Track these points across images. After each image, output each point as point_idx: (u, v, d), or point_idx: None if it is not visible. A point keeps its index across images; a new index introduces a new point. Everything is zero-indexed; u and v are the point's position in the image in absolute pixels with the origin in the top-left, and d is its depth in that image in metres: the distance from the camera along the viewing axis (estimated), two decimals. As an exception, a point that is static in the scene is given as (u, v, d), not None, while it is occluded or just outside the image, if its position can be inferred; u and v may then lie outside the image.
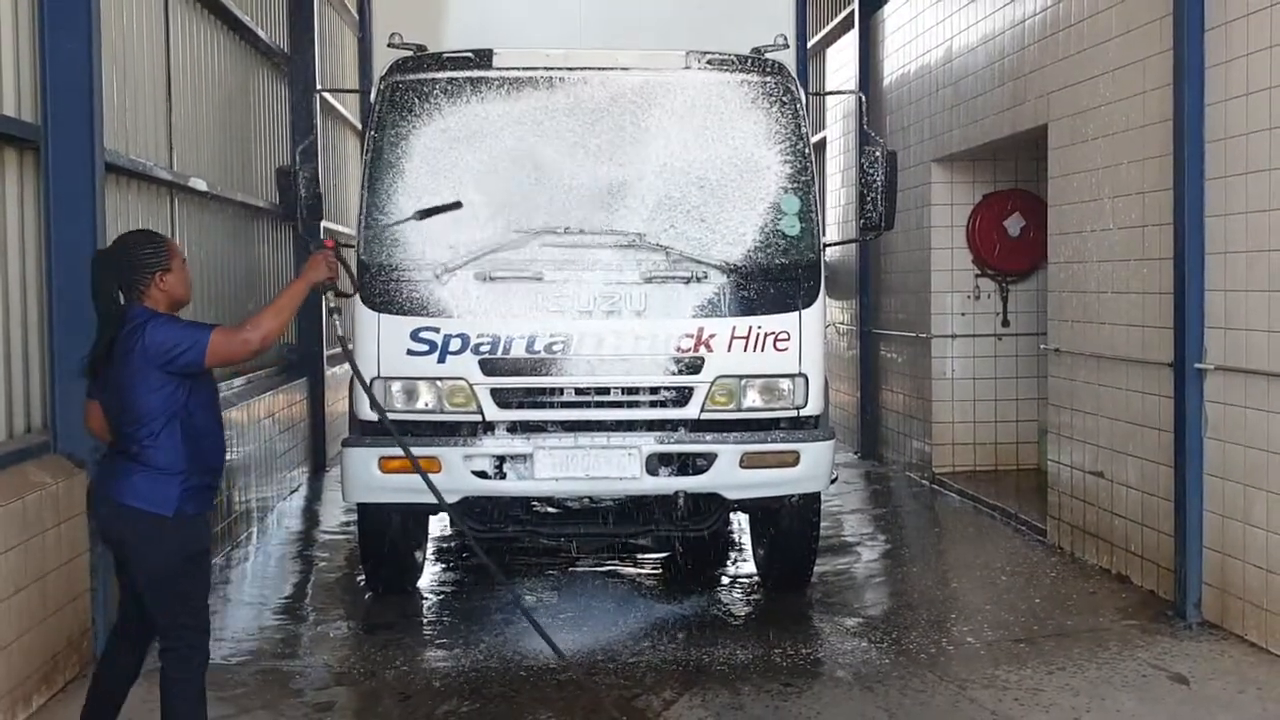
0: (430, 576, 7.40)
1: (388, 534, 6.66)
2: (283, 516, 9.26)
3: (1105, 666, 5.55)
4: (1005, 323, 10.25)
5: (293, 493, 10.07)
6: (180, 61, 7.88)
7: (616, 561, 7.63)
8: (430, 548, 7.72)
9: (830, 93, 11.99)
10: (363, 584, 7.11)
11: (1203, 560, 6.09)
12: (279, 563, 7.92)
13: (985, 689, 5.31)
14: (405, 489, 6.01)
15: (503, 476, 6.03)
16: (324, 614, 6.65)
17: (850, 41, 12.14)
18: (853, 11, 12.02)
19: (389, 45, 6.20)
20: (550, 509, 6.93)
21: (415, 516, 6.87)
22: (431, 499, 6.11)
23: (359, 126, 14.30)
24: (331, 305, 4.59)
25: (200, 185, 7.94)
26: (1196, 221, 6.02)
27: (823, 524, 7.03)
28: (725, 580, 7.37)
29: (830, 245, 8.81)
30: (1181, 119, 6.04)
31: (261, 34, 9.63)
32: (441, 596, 7.07)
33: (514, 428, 6.07)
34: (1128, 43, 6.76)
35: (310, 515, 9.54)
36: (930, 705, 5.16)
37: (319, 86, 10.77)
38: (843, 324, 12.63)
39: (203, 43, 8.46)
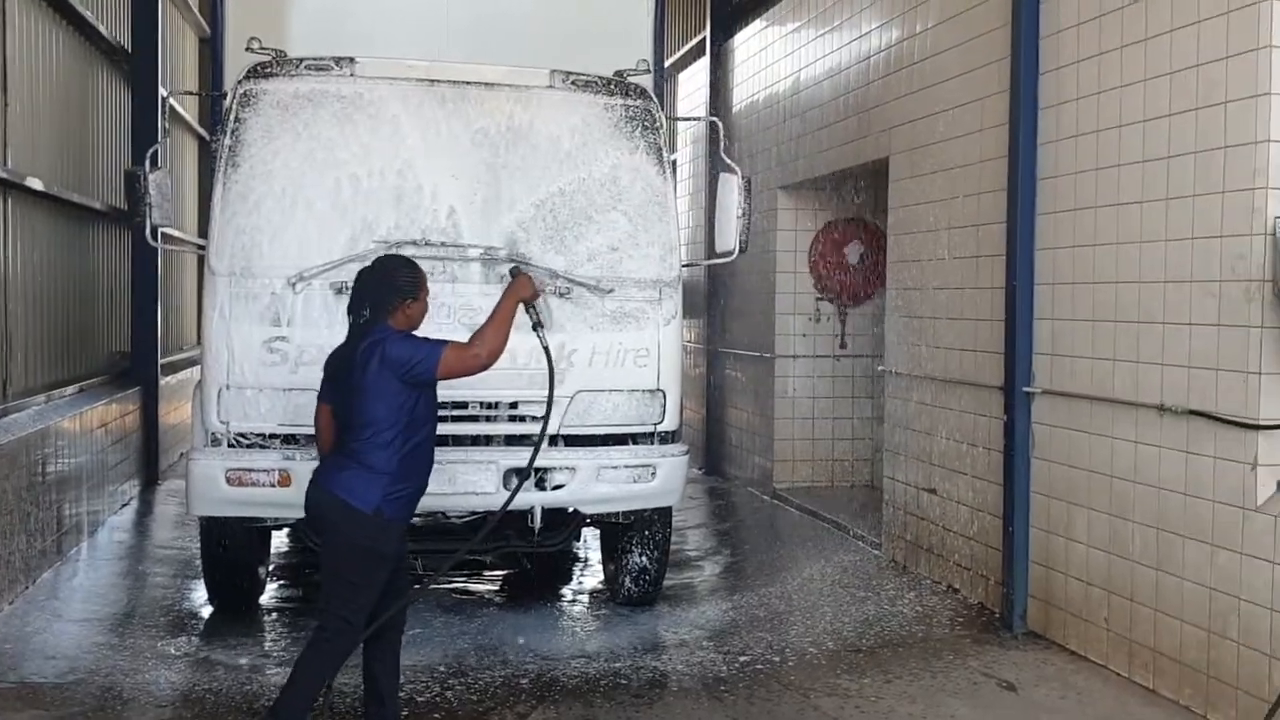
0: (272, 593, 7.24)
1: (231, 549, 6.49)
2: (114, 530, 8.90)
3: (940, 675, 5.83)
4: (843, 345, 10.64)
5: (124, 506, 9.69)
6: (15, 53, 7.54)
7: (464, 578, 7.61)
8: (273, 564, 7.55)
9: (686, 118, 12.25)
10: (203, 600, 6.91)
11: (1029, 573, 6.46)
12: (112, 578, 7.61)
13: (828, 697, 5.52)
14: (251, 503, 5.91)
15: (354, 490, 5.96)
16: (163, 630, 6.44)
17: (702, 67, 12.43)
18: (704, 38, 12.32)
19: (248, 50, 6.09)
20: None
21: (259, 531, 6.71)
22: (278, 514, 6.08)
23: (199, 130, 13.90)
24: (535, 320, 4.88)
25: (36, 184, 7.61)
26: (1028, 254, 6.40)
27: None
28: (573, 596, 7.44)
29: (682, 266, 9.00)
30: (1016, 156, 6.42)
31: (103, 30, 9.29)
32: (285, 613, 6.92)
33: (368, 441, 6.00)
34: (967, 82, 7.15)
35: (143, 529, 9.19)
36: (777, 713, 5.33)
37: (162, 87, 10.43)
38: (690, 343, 12.87)
39: (40, 35, 8.11)
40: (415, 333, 4.65)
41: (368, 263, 5.80)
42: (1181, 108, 5.30)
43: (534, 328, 4.89)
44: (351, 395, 4.50)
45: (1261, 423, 4.89)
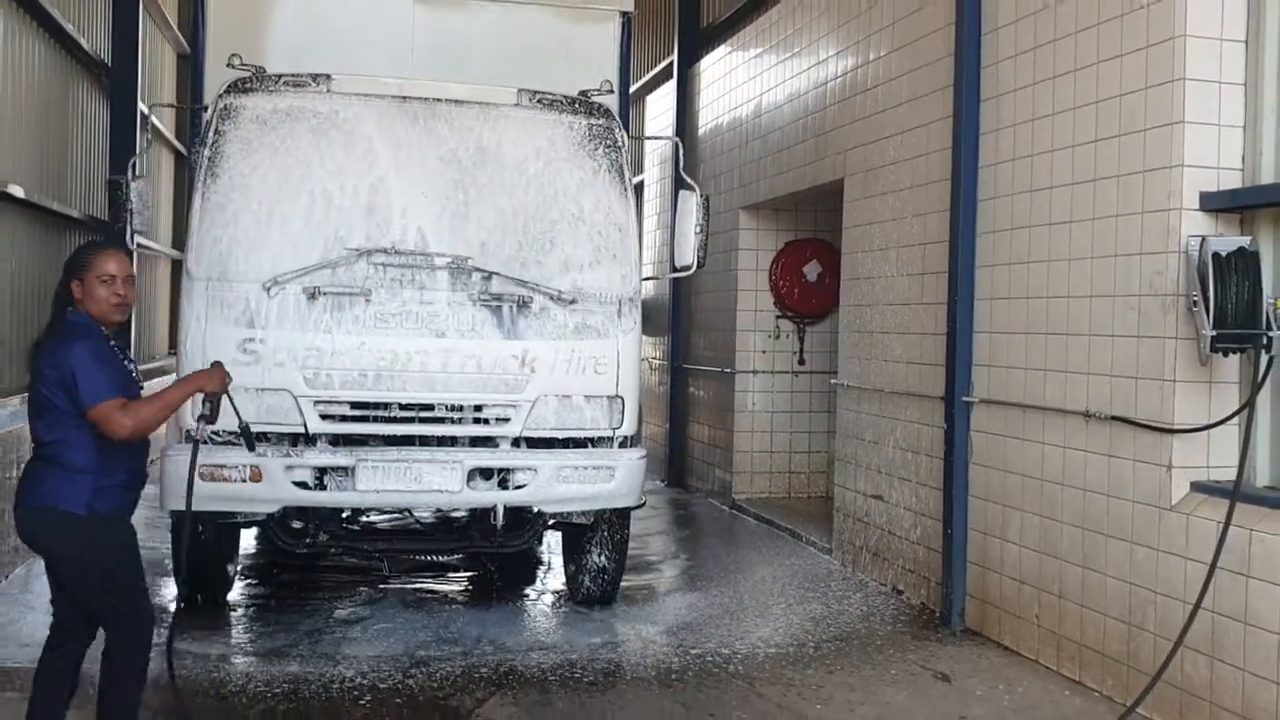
0: (240, 591, 7.45)
1: (202, 544, 6.71)
2: (85, 532, 9.06)
3: (879, 667, 6.14)
4: (801, 361, 10.99)
5: (95, 509, 9.84)
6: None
7: (428, 578, 7.85)
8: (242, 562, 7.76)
9: (650, 137, 12.61)
10: (172, 596, 7.11)
11: (967, 574, 6.78)
12: (83, 576, 7.80)
13: (772, 685, 5.81)
14: (224, 498, 6.14)
15: (323, 488, 6.22)
16: (134, 623, 6.63)
17: (669, 90, 12.79)
18: (672, 62, 12.68)
19: (229, 65, 6.37)
20: (355, 528, 7.11)
21: (228, 528, 6.94)
22: (249, 509, 6.30)
23: (174, 142, 14.13)
24: (203, 412, 4.54)
25: (18, 192, 7.84)
26: (968, 271, 6.75)
27: (630, 545, 7.42)
28: (534, 595, 7.70)
29: (646, 280, 9.31)
30: (958, 179, 6.78)
31: (84, 43, 9.54)
32: (253, 608, 7.15)
33: (337, 441, 6.28)
34: (915, 108, 7.51)
35: (114, 531, 9.35)
36: (723, 700, 5.62)
37: (141, 101, 10.67)
38: (655, 359, 13.18)
39: (22, 47, 8.35)
40: (110, 342, 4.30)
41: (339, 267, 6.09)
42: (1106, 134, 5.67)
43: (199, 418, 4.53)
44: (39, 390, 4.16)
45: (1175, 427, 5.23)
